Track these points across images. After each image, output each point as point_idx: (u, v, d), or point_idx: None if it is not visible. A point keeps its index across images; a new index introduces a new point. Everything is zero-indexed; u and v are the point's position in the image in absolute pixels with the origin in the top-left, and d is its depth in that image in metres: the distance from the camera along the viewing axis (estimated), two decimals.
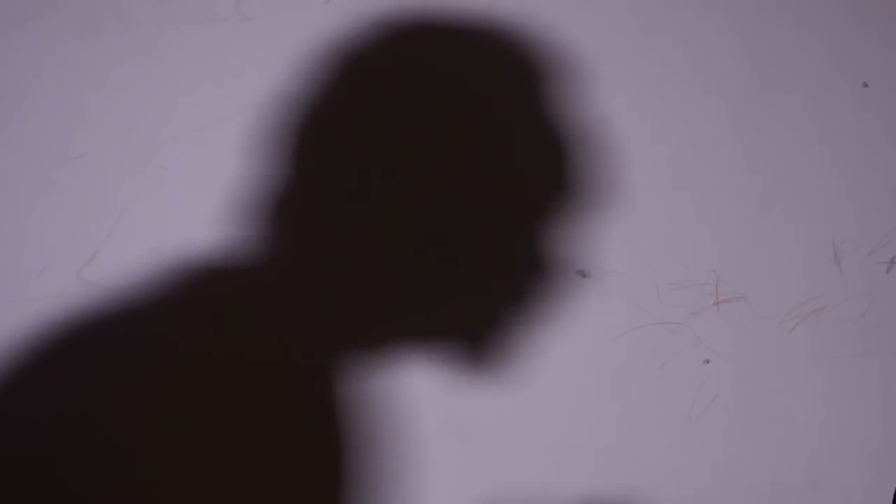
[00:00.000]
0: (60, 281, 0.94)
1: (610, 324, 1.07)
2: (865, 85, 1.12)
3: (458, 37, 1.02)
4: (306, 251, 0.99)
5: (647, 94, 1.08)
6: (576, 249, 1.06)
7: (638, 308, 1.08)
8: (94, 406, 0.94)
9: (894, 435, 1.13)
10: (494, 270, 1.03)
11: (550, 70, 1.05)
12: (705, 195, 1.09)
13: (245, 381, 0.98)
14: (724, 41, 1.10)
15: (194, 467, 0.97)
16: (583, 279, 1.07)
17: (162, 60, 0.97)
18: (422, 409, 1.03)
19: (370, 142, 1.01)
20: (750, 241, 1.10)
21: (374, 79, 1.01)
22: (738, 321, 1.10)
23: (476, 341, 1.04)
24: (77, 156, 0.96)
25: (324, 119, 0.99)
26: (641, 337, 1.08)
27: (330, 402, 0.97)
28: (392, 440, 1.02)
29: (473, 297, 1.02)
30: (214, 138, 0.98)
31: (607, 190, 1.07)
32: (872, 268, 1.13)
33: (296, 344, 0.98)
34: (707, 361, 1.09)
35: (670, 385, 1.08)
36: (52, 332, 0.92)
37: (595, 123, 1.07)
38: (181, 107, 0.97)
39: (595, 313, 1.07)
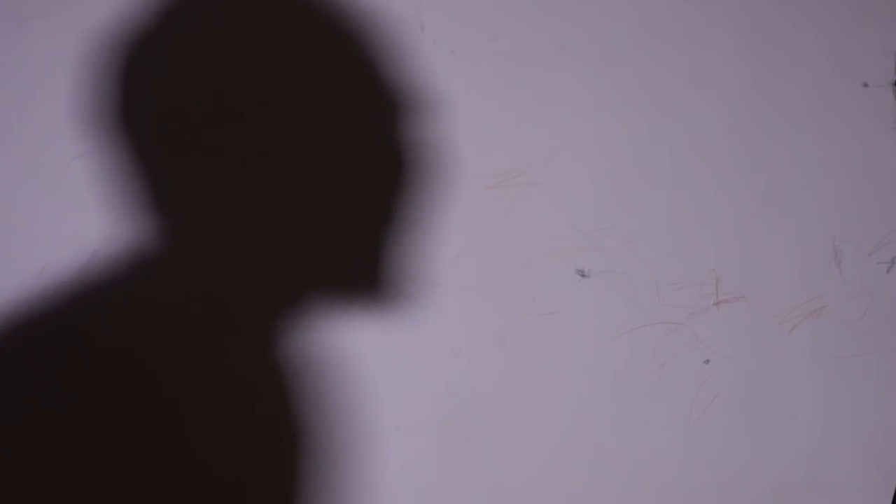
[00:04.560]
0: (60, 281, 0.94)
1: (610, 324, 1.07)
2: (865, 85, 1.12)
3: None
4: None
5: (647, 94, 1.08)
6: (576, 249, 1.06)
7: (638, 308, 1.08)
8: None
9: (894, 435, 1.13)
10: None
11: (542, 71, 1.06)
12: (705, 195, 1.09)
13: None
14: (723, 41, 1.10)
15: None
16: (583, 279, 1.07)
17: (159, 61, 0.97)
18: (422, 410, 1.03)
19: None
20: (750, 241, 1.10)
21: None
22: (738, 321, 1.10)
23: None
24: (77, 156, 0.96)
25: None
26: (641, 337, 1.08)
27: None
28: (387, 441, 1.02)
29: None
30: (216, 139, 0.98)
31: (607, 189, 1.07)
32: (872, 268, 1.12)
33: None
34: (707, 361, 1.09)
35: (670, 385, 1.08)
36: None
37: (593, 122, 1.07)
38: (181, 107, 0.97)
39: (595, 313, 1.07)
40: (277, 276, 0.98)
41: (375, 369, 1.01)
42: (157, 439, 0.96)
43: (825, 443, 1.11)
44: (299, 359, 0.96)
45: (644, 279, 1.08)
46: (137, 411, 0.96)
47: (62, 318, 0.94)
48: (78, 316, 0.94)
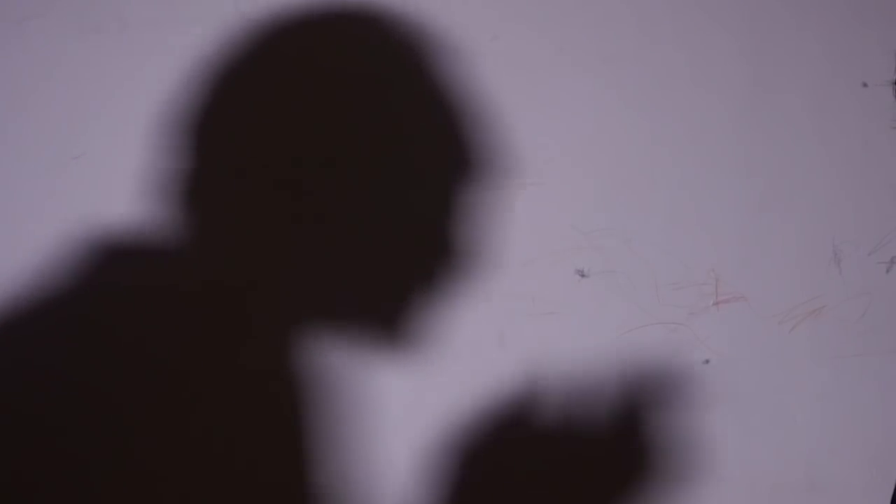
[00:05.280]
0: (60, 281, 0.94)
1: (610, 324, 1.07)
2: (865, 85, 1.12)
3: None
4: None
5: (647, 94, 1.08)
6: (576, 249, 1.06)
7: (638, 308, 1.08)
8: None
9: (894, 435, 1.13)
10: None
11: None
12: (705, 195, 1.09)
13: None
14: (723, 41, 1.10)
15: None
16: (582, 279, 1.07)
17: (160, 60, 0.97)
18: (421, 409, 1.03)
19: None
20: (750, 241, 1.10)
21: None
22: (738, 321, 1.10)
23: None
24: (77, 156, 0.96)
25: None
26: (641, 337, 1.08)
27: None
28: (385, 441, 1.02)
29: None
30: (216, 138, 0.98)
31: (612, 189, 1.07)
32: (872, 268, 1.13)
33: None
34: (707, 361, 1.09)
35: (670, 385, 1.08)
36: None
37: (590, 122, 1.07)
38: (181, 106, 0.97)
39: (595, 313, 1.07)
40: (283, 273, 0.99)
41: (375, 370, 1.01)
42: (165, 437, 0.96)
43: (825, 443, 1.12)
44: (304, 353, 0.96)
45: (644, 279, 1.08)
46: (144, 408, 0.96)
47: (70, 310, 0.94)
48: (90, 308, 0.94)
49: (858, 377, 1.12)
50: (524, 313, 1.05)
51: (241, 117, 0.98)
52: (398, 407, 1.02)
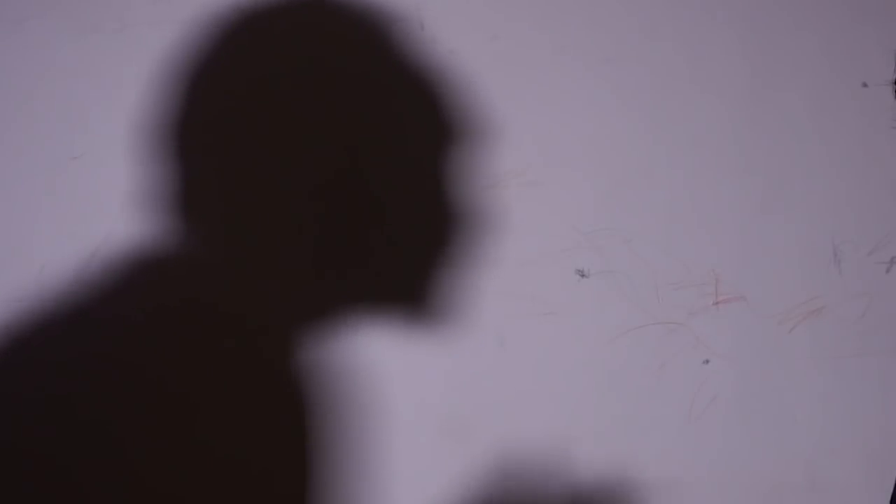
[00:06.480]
0: (59, 281, 0.94)
1: (610, 324, 1.07)
2: (865, 85, 1.12)
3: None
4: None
5: (647, 94, 1.08)
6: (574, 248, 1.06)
7: (638, 308, 1.08)
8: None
9: (894, 435, 1.13)
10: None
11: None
12: (705, 195, 1.09)
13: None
14: (723, 41, 1.10)
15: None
16: (582, 279, 1.07)
17: (160, 60, 0.97)
18: (421, 409, 1.03)
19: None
20: (750, 241, 1.10)
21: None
22: (737, 321, 1.10)
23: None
24: (77, 156, 0.96)
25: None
26: (641, 337, 1.08)
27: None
28: (386, 440, 1.02)
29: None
30: (213, 138, 0.98)
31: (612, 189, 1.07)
32: (872, 268, 1.13)
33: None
34: (707, 361, 1.09)
35: (670, 385, 1.08)
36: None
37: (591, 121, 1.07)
38: (179, 106, 0.97)
39: (595, 313, 1.07)
40: (285, 280, 0.99)
41: (374, 369, 1.01)
42: (167, 445, 0.96)
43: (825, 443, 1.12)
44: (307, 357, 0.97)
45: (643, 279, 1.08)
46: (144, 417, 0.96)
47: (68, 321, 0.94)
48: (87, 319, 0.94)
49: (858, 377, 1.12)
50: (524, 313, 1.05)
51: (241, 117, 0.99)
52: (398, 407, 1.02)
